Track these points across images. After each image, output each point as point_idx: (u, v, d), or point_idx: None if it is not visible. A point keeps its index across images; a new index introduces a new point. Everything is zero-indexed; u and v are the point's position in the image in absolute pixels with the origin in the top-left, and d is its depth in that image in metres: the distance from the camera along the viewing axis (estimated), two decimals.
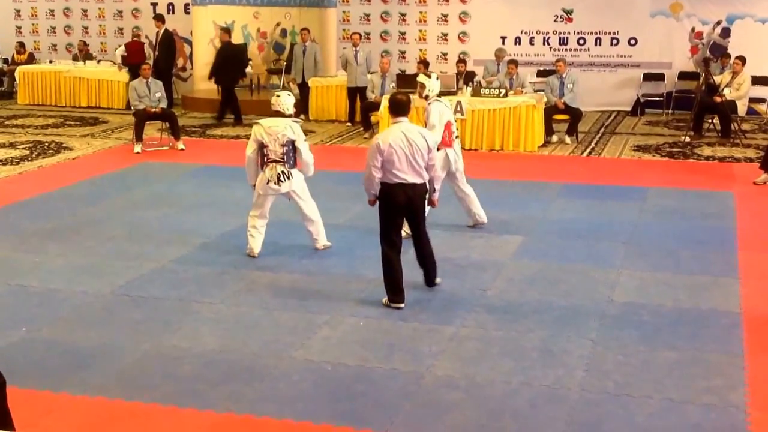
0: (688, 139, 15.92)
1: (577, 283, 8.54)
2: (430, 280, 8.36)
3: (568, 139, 15.98)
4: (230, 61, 18.48)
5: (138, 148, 15.10)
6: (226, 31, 19.13)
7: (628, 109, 19.47)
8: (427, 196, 8.09)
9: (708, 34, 19.18)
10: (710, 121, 16.66)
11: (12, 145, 15.64)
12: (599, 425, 5.85)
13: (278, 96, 9.30)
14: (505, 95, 15.33)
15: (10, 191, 12.27)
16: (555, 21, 19.95)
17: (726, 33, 19.02)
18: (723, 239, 9.94)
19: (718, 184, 12.66)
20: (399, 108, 7.92)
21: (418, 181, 7.82)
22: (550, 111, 15.88)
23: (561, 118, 16.24)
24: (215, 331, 7.42)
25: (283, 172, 9.08)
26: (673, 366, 6.71)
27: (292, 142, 9.04)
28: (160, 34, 19.97)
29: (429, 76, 10.09)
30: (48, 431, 5.81)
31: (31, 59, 22.63)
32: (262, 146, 9.08)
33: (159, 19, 20.21)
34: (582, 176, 13.33)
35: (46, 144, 15.84)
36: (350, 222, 10.47)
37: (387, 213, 7.91)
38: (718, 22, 19.06)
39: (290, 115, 9.22)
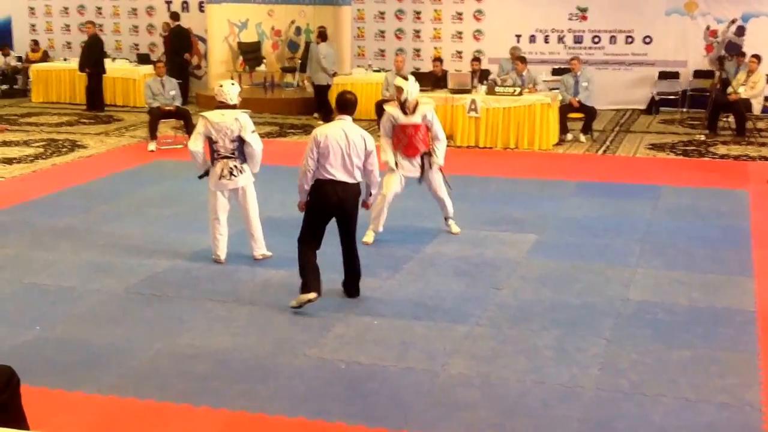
0: (702, 138, 15.86)
1: (592, 282, 8.51)
2: (354, 292, 8.13)
3: (582, 138, 15.95)
4: (100, 52, 19.53)
5: (152, 146, 15.13)
6: (93, 24, 19.91)
7: (643, 107, 19.42)
8: (361, 199, 8.06)
9: (723, 32, 19.08)
10: (725, 119, 16.61)
11: (26, 143, 15.68)
12: (613, 424, 5.82)
13: (221, 86, 8.98)
14: (520, 93, 15.29)
15: (25, 189, 12.30)
16: (570, 19, 19.91)
17: (741, 31, 18.94)
18: (737, 238, 9.90)
19: (732, 182, 12.60)
20: (345, 105, 7.88)
21: (349, 180, 7.75)
22: (565, 109, 15.85)
23: (576, 116, 16.20)
24: (229, 329, 7.42)
25: (235, 166, 8.82)
26: (688, 365, 6.69)
27: (241, 137, 8.77)
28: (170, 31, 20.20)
29: (406, 78, 9.83)
30: (61, 429, 5.81)
31: (45, 57, 22.70)
32: (210, 141, 8.81)
33: (173, 17, 20.33)
34: (596, 174, 13.29)
35: (60, 142, 15.88)
36: (362, 219, 10.42)
37: (313, 212, 7.85)
38: (733, 21, 18.95)
39: (235, 105, 8.87)
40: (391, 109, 9.73)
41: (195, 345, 7.09)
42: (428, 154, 9.73)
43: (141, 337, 7.23)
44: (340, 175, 7.72)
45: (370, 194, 8.20)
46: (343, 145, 7.69)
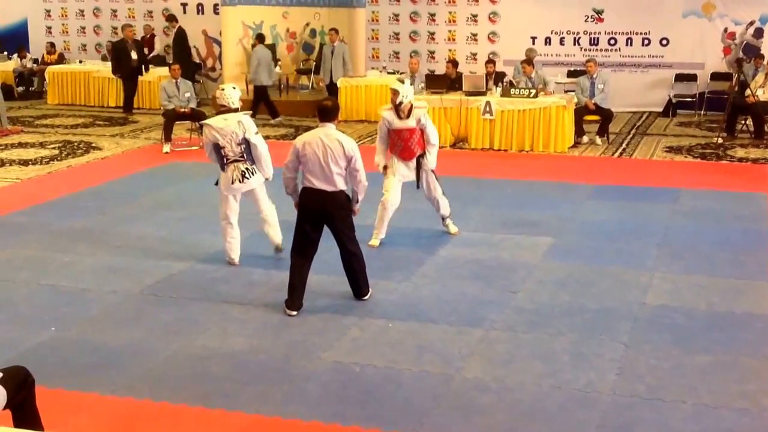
0: (720, 141, 15.77)
1: (609, 286, 8.45)
2: (357, 293, 8.13)
3: (598, 140, 15.87)
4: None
5: (167, 148, 15.13)
6: (129, 27, 20.29)
7: (660, 109, 19.31)
8: (352, 206, 8.00)
9: (741, 34, 18.99)
10: (743, 122, 16.51)
11: (42, 145, 15.72)
12: (631, 429, 5.78)
13: (222, 89, 9.02)
14: (535, 95, 15.23)
15: (40, 191, 12.32)
16: (586, 21, 19.81)
17: (759, 33, 18.84)
18: (756, 241, 9.83)
19: (751, 185, 12.52)
20: (323, 113, 7.82)
21: (327, 188, 7.70)
22: (581, 112, 15.77)
23: (592, 118, 16.12)
24: (244, 331, 7.40)
25: (247, 169, 8.84)
26: (707, 370, 6.63)
27: (247, 139, 8.79)
28: (172, 34, 20.22)
29: (403, 81, 9.75)
30: (76, 431, 5.80)
31: (60, 59, 22.75)
32: (218, 147, 8.78)
33: (171, 19, 20.51)
34: (613, 177, 13.22)
35: (76, 144, 15.90)
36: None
37: (299, 218, 7.88)
38: (751, 23, 18.87)
39: (236, 109, 8.91)
40: (386, 113, 9.68)
41: (210, 347, 7.08)
42: (423, 156, 9.69)
43: (156, 339, 7.23)
44: (319, 183, 7.70)
45: (357, 200, 8.03)
46: (320, 153, 7.64)
